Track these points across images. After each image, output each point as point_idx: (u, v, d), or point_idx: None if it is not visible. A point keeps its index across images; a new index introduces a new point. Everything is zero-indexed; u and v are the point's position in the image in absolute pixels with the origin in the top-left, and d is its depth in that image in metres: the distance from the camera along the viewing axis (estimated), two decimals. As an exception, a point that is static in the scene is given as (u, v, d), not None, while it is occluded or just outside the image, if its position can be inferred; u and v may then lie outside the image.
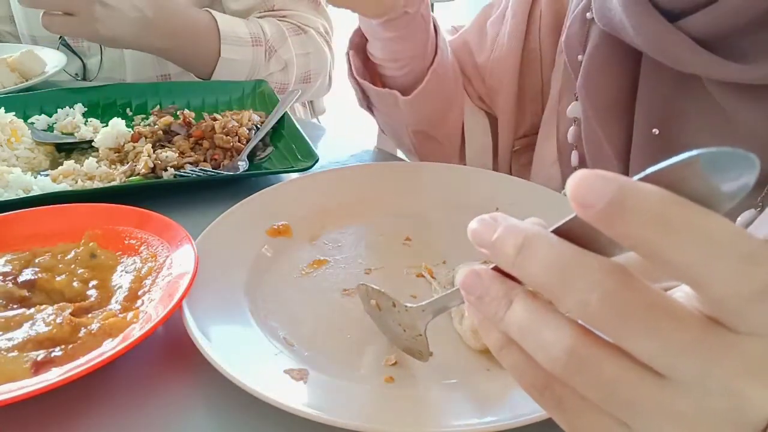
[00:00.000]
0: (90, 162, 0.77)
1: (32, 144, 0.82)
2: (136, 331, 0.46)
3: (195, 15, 1.07)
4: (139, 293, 0.52)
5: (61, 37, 1.15)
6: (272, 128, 0.86)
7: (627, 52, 0.54)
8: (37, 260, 0.56)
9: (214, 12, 1.08)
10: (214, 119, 0.84)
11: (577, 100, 0.60)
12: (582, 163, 0.61)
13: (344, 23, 1.25)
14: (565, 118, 0.64)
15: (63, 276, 0.54)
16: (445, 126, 0.80)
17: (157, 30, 1.01)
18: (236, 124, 0.82)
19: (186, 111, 0.84)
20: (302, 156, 0.79)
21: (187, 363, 0.49)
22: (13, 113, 0.85)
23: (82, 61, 1.19)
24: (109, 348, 0.45)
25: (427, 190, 0.70)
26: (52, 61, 1.10)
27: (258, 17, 1.15)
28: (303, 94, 1.18)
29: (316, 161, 0.75)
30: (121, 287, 0.53)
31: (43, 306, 0.50)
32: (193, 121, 0.83)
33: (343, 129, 0.94)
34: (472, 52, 0.81)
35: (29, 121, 0.88)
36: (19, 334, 0.47)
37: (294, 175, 0.74)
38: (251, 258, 0.60)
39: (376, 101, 0.79)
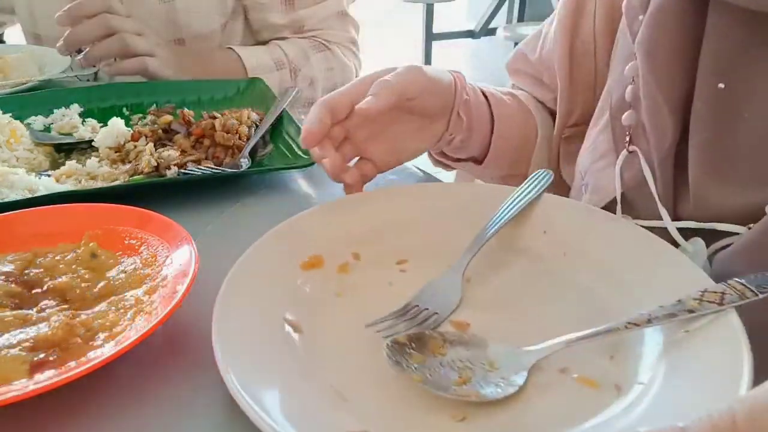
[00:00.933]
0: (92, 162, 0.77)
1: (31, 145, 0.82)
2: (135, 332, 0.46)
3: (222, 55, 1.17)
4: (140, 294, 0.52)
5: None
6: (271, 126, 0.87)
7: (691, 4, 0.53)
8: (38, 260, 0.56)
9: (236, 48, 1.17)
10: (214, 117, 0.84)
11: (635, 59, 0.59)
12: (639, 122, 0.60)
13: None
14: (618, 84, 0.64)
15: (64, 277, 0.54)
16: (525, 160, 0.82)
17: (194, 73, 1.09)
18: (236, 122, 0.83)
19: (185, 110, 0.84)
20: (304, 153, 0.80)
21: (186, 363, 0.49)
22: (10, 114, 0.85)
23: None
24: (109, 349, 0.45)
25: (465, 214, 0.61)
26: (54, 62, 1.10)
27: (286, 37, 1.23)
28: None
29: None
30: (121, 288, 0.53)
31: (43, 305, 0.51)
32: (192, 120, 0.84)
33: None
34: (527, 56, 0.83)
35: (26, 121, 0.88)
36: (18, 335, 0.47)
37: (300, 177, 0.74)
38: (288, 297, 0.52)
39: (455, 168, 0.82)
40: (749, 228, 0.52)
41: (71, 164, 0.77)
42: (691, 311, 0.44)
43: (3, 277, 0.53)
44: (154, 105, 0.93)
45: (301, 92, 1.17)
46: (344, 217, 0.61)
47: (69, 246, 0.58)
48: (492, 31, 4.65)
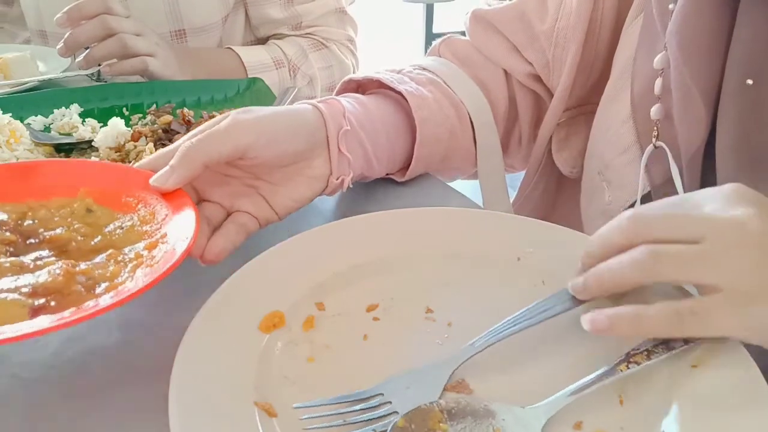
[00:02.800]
0: (92, 162, 0.77)
1: (31, 145, 0.82)
2: (135, 284, 0.45)
3: (222, 54, 1.18)
4: (139, 249, 0.50)
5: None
6: (271, 125, 0.87)
7: None
8: (31, 213, 0.55)
9: (235, 48, 1.18)
10: (213, 117, 0.84)
11: (665, 50, 0.57)
12: (667, 116, 0.58)
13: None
14: (641, 75, 0.61)
15: (59, 229, 0.53)
16: (455, 159, 0.76)
17: (194, 72, 1.10)
18: (236, 121, 0.83)
19: (185, 110, 0.84)
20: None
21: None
22: (10, 114, 0.85)
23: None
24: (107, 299, 0.44)
25: (439, 239, 0.57)
26: (54, 62, 1.10)
27: (284, 35, 1.24)
28: None
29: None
30: (119, 243, 0.52)
31: (40, 255, 0.50)
32: (192, 120, 0.84)
33: None
34: (531, 22, 0.75)
35: (26, 122, 0.88)
36: (17, 281, 0.46)
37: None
38: (252, 373, 0.45)
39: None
40: None
41: (71, 164, 0.76)
42: (686, 341, 0.43)
43: (-2, 225, 0.52)
44: (154, 105, 0.93)
45: (301, 91, 1.17)
46: (300, 261, 0.54)
47: (64, 201, 0.56)
48: (492, 32, 4.64)
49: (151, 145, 0.78)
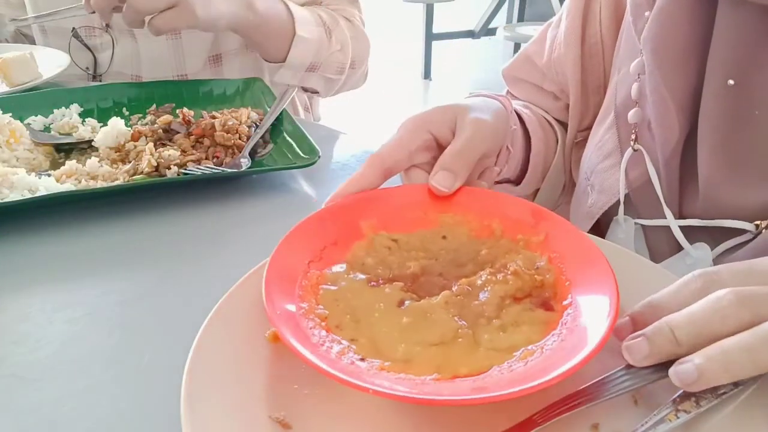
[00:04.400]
0: (92, 162, 0.77)
1: (31, 145, 0.82)
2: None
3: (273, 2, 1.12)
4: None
5: (73, 29, 1.15)
6: (271, 125, 0.87)
7: (700, 0, 0.52)
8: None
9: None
10: (213, 117, 0.84)
11: (641, 55, 0.58)
12: (645, 120, 0.59)
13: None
14: (624, 83, 0.63)
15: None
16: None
17: (251, 6, 1.03)
18: (236, 121, 0.83)
19: (185, 109, 0.84)
20: (304, 152, 0.80)
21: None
22: (10, 114, 0.85)
23: (93, 55, 1.19)
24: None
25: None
26: (56, 62, 1.10)
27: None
28: (345, 84, 1.25)
29: (318, 157, 0.76)
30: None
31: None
32: (192, 120, 0.84)
33: (343, 130, 0.95)
34: (534, 61, 0.80)
35: (26, 122, 0.88)
36: None
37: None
38: (264, 385, 0.42)
39: None
40: (756, 225, 0.52)
41: (71, 164, 0.76)
42: (736, 384, 0.38)
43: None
44: (154, 105, 0.93)
45: (334, 55, 1.16)
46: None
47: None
48: (492, 31, 4.65)
49: (151, 145, 0.79)
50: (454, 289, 0.46)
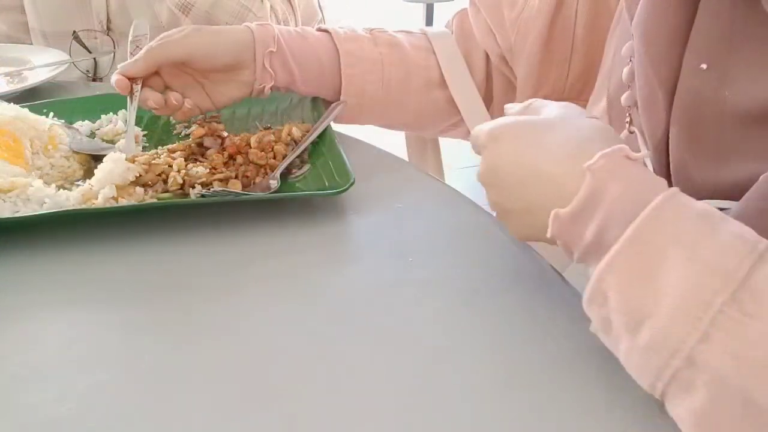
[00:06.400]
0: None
1: (69, 152, 0.81)
2: None
3: None
4: None
5: (74, 32, 1.16)
6: (312, 143, 0.81)
7: None
8: None
9: None
10: (268, 128, 0.82)
11: (632, 39, 0.59)
12: (635, 104, 0.60)
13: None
14: (617, 67, 0.64)
15: None
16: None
17: None
18: (272, 138, 0.78)
19: (214, 124, 0.80)
20: (339, 175, 0.73)
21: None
22: (53, 116, 0.84)
23: (94, 58, 1.19)
24: None
25: None
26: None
27: None
28: None
29: (352, 183, 0.70)
30: None
31: None
32: (223, 134, 0.80)
33: (342, 129, 0.89)
34: (502, 8, 0.83)
35: (75, 125, 0.87)
36: None
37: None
38: None
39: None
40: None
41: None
42: None
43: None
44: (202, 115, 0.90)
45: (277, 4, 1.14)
46: None
47: None
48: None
49: (180, 160, 0.75)
50: None
